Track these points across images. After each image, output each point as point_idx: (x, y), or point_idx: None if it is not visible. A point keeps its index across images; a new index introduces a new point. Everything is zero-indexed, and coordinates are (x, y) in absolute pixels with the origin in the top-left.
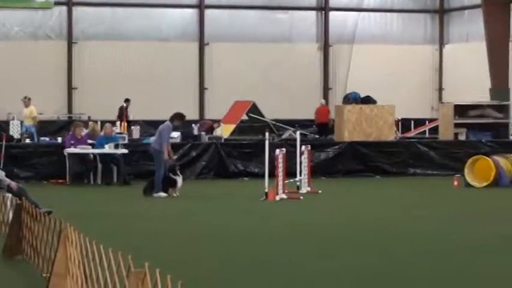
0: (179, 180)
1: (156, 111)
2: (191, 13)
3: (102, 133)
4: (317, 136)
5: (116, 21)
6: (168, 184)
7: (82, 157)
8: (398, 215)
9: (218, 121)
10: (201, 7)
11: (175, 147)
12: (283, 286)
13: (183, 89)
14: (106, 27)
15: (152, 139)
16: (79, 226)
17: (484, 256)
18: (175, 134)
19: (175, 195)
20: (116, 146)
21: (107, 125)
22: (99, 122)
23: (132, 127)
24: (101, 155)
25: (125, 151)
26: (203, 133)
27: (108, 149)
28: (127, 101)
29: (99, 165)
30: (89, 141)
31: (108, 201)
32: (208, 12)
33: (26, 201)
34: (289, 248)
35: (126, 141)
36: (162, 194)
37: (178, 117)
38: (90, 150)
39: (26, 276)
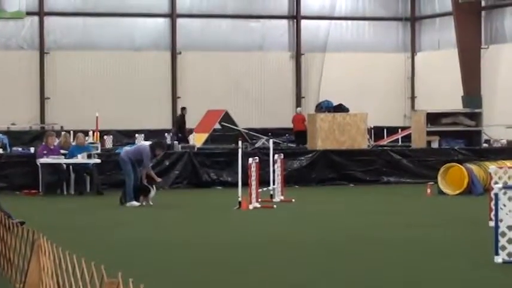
0: (153, 189)
1: (129, 121)
2: (163, 22)
3: (74, 143)
4: (292, 145)
5: (87, 31)
6: (141, 192)
7: (55, 167)
8: (371, 223)
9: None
10: (173, 16)
11: None
12: None
13: (156, 98)
14: (78, 37)
15: (125, 148)
16: (52, 236)
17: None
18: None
19: (145, 203)
20: (89, 156)
21: (79, 134)
22: (72, 132)
23: (105, 136)
24: (74, 165)
25: (98, 161)
26: (176, 142)
27: (81, 158)
28: (183, 109)
29: (72, 175)
30: (62, 151)
31: (81, 211)
32: (180, 21)
33: None
34: (263, 256)
35: (99, 151)
36: (135, 203)
37: (160, 147)
38: (63, 160)
39: None
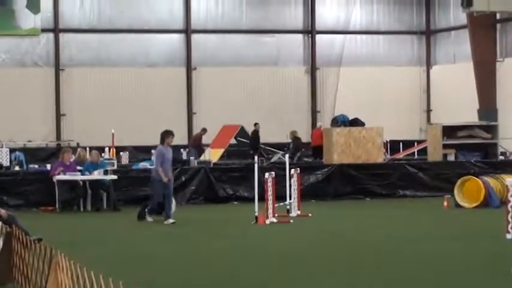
0: (173, 205)
1: (145, 136)
2: (178, 38)
3: (89, 159)
4: (308, 159)
5: (103, 47)
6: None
7: (71, 184)
8: (389, 237)
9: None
10: (187, 32)
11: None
12: None
13: (171, 114)
14: (93, 54)
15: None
16: (70, 253)
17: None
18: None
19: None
20: (105, 172)
21: (93, 152)
22: (87, 148)
23: (121, 153)
24: (90, 181)
25: (114, 177)
26: (192, 158)
27: (97, 175)
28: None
29: (89, 192)
30: (78, 167)
31: (98, 227)
32: (195, 37)
33: (16, 228)
34: (281, 272)
35: (115, 167)
36: (149, 219)
37: (167, 134)
38: (79, 176)
39: None
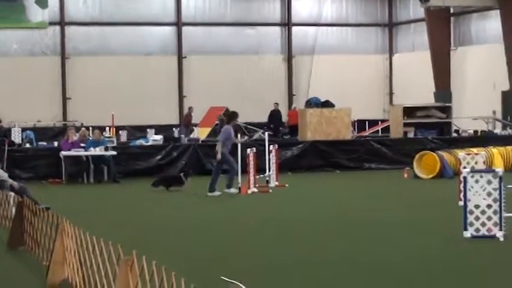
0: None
1: (141, 117)
2: (170, 30)
3: (91, 138)
4: (286, 137)
5: (104, 38)
6: (175, 182)
7: (76, 159)
8: (355, 205)
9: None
10: (179, 25)
11: (157, 148)
12: (263, 271)
13: (164, 97)
14: (95, 44)
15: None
16: (74, 220)
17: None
18: (158, 137)
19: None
20: (106, 149)
21: (96, 131)
22: (91, 128)
23: (120, 131)
24: (93, 156)
25: (114, 153)
26: (183, 136)
27: (99, 151)
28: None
29: (92, 166)
30: (82, 144)
31: (100, 197)
32: (185, 29)
33: (26, 198)
34: (262, 234)
35: (114, 144)
36: (234, 190)
37: (233, 116)
38: (83, 152)
39: (28, 265)
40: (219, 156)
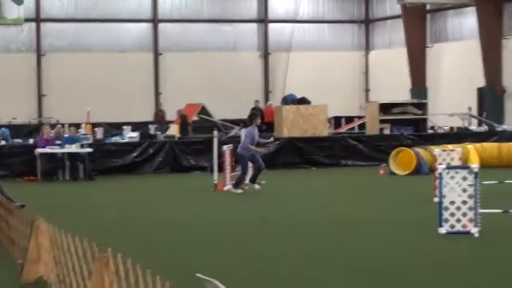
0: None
1: (117, 114)
2: (146, 27)
3: (67, 135)
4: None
5: (79, 35)
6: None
7: (52, 156)
8: (331, 201)
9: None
10: (155, 21)
11: (133, 145)
12: (237, 264)
13: (140, 94)
14: (71, 41)
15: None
16: (49, 217)
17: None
18: (134, 134)
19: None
20: (82, 146)
21: (71, 128)
22: (66, 125)
23: (96, 129)
24: (68, 154)
25: (90, 150)
26: (159, 133)
27: (74, 148)
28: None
29: (67, 163)
30: (57, 141)
31: (75, 195)
32: (161, 26)
33: (1, 196)
34: (237, 232)
35: (90, 142)
36: (238, 191)
37: (254, 116)
38: (58, 150)
39: (2, 263)
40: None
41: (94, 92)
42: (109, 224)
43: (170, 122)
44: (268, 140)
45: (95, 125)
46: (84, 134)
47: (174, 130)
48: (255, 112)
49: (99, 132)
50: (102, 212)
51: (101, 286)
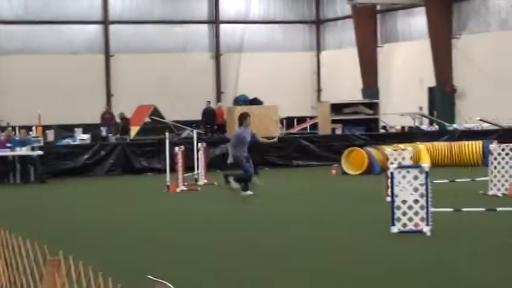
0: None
1: (69, 116)
2: (97, 28)
3: (17, 137)
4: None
5: (30, 37)
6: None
7: (2, 159)
8: (283, 201)
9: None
10: (106, 23)
11: (85, 148)
12: (186, 264)
13: (91, 96)
14: (21, 43)
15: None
16: (0, 221)
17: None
18: (85, 136)
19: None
20: (33, 149)
21: (21, 130)
22: (17, 128)
23: (47, 131)
24: (19, 156)
25: (41, 153)
26: (110, 134)
27: (25, 151)
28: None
29: (18, 166)
30: (8, 144)
31: (26, 197)
32: (112, 27)
33: None
34: (190, 233)
35: (41, 144)
36: (248, 193)
37: (243, 117)
38: (9, 152)
39: None
40: (229, 159)
41: (45, 94)
42: (61, 227)
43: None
44: (270, 141)
45: (46, 127)
46: (35, 137)
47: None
48: (244, 113)
49: (50, 135)
50: (53, 215)
51: None
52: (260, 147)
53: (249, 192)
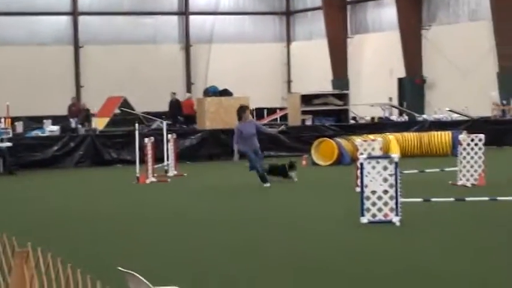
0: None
1: (38, 108)
2: (66, 19)
3: None
4: (184, 126)
5: None
6: (281, 173)
7: None
8: (252, 193)
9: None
10: (75, 14)
11: (54, 139)
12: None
13: (61, 87)
14: None
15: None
16: None
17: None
18: (55, 128)
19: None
20: (1, 140)
21: None
22: None
23: (16, 123)
24: None
25: (10, 144)
26: (80, 126)
27: None
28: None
29: None
30: None
31: None
32: (81, 18)
33: None
34: (158, 225)
35: (10, 136)
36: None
37: (241, 110)
38: None
39: None
40: (235, 157)
41: (13, 85)
42: (29, 218)
43: (93, 115)
44: (279, 129)
45: (14, 119)
46: (4, 128)
47: (98, 123)
48: (243, 106)
49: (19, 126)
50: (22, 207)
51: (22, 281)
52: (268, 137)
53: (268, 184)
